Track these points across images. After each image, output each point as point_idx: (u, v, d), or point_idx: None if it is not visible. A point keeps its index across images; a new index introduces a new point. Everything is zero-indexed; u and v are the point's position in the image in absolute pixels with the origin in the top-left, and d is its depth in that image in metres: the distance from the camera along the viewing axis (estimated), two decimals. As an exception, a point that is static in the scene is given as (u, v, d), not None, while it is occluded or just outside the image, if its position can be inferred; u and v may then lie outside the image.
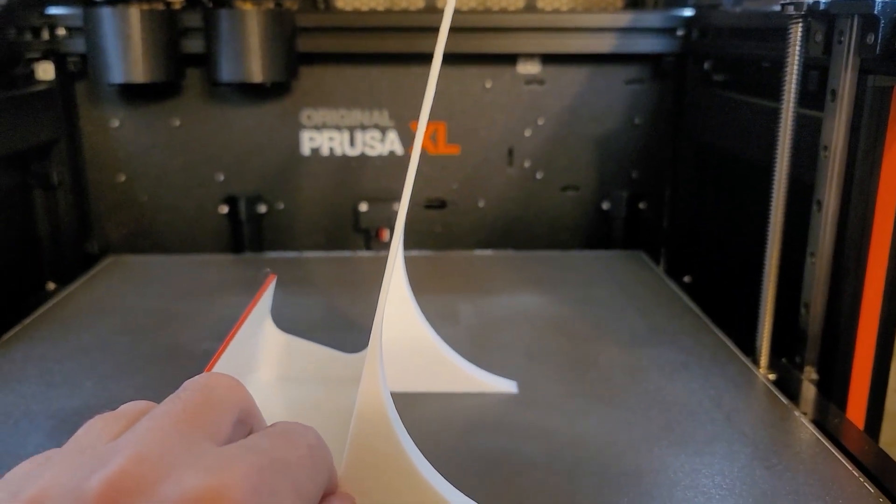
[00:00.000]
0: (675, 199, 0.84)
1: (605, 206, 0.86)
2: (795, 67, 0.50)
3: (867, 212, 0.51)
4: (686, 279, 0.79)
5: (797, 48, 0.49)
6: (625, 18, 0.79)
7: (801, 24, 0.49)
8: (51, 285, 0.75)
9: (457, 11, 0.78)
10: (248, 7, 0.75)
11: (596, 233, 0.87)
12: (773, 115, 0.52)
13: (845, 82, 0.50)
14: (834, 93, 0.50)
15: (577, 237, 0.87)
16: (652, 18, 0.79)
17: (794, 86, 0.50)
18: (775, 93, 0.53)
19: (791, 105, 0.50)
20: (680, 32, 0.78)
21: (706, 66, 0.77)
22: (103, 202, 0.83)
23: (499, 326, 0.61)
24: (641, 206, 0.86)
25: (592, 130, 0.84)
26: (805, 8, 0.48)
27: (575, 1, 0.84)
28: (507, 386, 0.50)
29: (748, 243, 0.65)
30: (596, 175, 0.86)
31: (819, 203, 0.53)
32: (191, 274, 0.74)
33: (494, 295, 0.67)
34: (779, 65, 0.52)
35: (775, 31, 0.59)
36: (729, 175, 0.74)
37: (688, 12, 0.78)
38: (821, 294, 0.54)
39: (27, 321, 0.61)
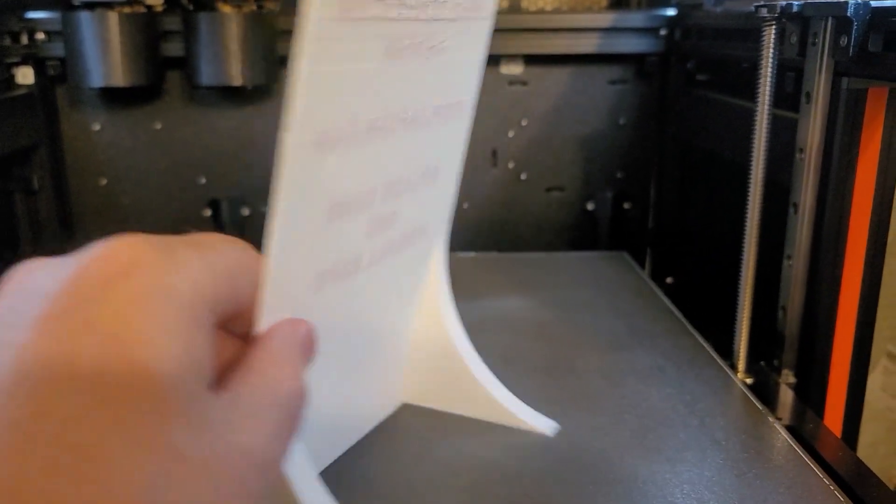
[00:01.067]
0: (659, 200, 0.84)
1: (590, 206, 0.86)
2: (770, 70, 0.49)
3: (843, 214, 0.51)
4: (668, 280, 0.79)
5: (771, 50, 0.49)
6: (608, 18, 0.78)
7: (774, 27, 0.49)
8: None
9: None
10: (227, 10, 0.75)
11: (581, 233, 0.87)
12: (753, 117, 0.52)
13: (820, 84, 0.49)
14: (809, 95, 0.50)
15: (563, 238, 0.87)
16: (635, 18, 0.78)
17: (768, 88, 0.50)
18: (753, 91, 0.52)
19: (766, 108, 0.50)
20: (663, 32, 0.78)
21: (689, 65, 0.77)
22: (85, 206, 0.83)
23: (477, 330, 0.60)
24: (626, 206, 0.86)
25: (576, 131, 0.84)
26: (778, 10, 0.47)
27: (559, 1, 0.83)
28: (545, 426, 0.45)
29: (730, 244, 0.65)
30: (581, 176, 0.85)
31: (795, 206, 0.52)
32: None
33: (475, 298, 0.67)
34: (755, 63, 0.51)
35: (753, 31, 0.58)
36: (713, 176, 0.73)
37: (670, 12, 0.78)
38: (798, 296, 0.54)
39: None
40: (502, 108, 0.83)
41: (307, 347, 0.28)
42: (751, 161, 0.52)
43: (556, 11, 0.82)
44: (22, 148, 0.74)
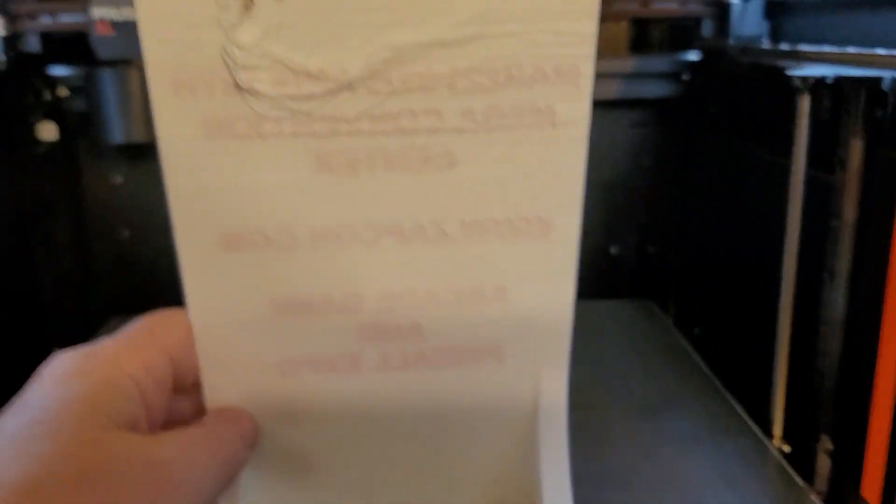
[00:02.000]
0: (683, 245, 0.83)
1: (614, 250, 0.85)
2: (803, 140, 0.49)
3: (880, 281, 0.50)
4: (696, 331, 0.78)
5: (805, 120, 0.48)
6: (629, 64, 0.78)
7: (808, 96, 0.48)
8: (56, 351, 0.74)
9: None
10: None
11: (605, 277, 0.86)
12: (780, 171, 0.52)
13: (855, 153, 0.49)
14: (843, 163, 0.49)
15: (587, 282, 0.86)
16: (657, 63, 0.78)
17: (802, 158, 0.49)
18: (782, 147, 0.52)
19: (800, 177, 0.50)
20: (685, 77, 0.77)
21: (712, 109, 0.76)
22: (106, 258, 0.83)
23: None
24: (650, 249, 0.85)
25: (599, 174, 0.83)
26: (812, 81, 0.47)
27: (578, 45, 0.83)
28: None
29: (758, 296, 0.64)
30: (603, 219, 0.85)
31: (830, 272, 0.52)
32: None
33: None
34: (786, 120, 0.51)
35: (781, 87, 0.58)
36: (738, 225, 0.72)
37: (692, 56, 0.77)
38: (834, 362, 0.53)
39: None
40: (523, 154, 0.82)
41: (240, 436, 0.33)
42: (778, 218, 0.52)
43: (577, 56, 0.81)
44: (44, 202, 0.75)
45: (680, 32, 0.80)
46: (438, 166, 0.35)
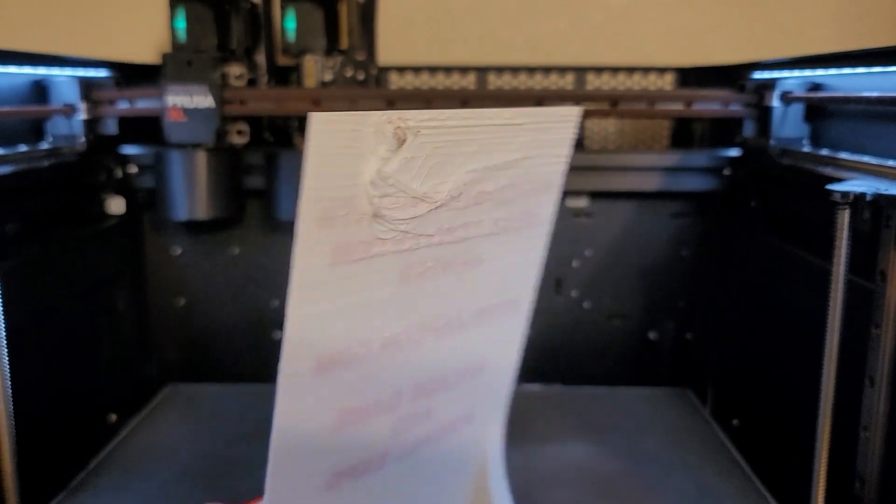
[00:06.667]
0: (721, 334, 0.85)
1: (652, 335, 0.87)
2: (844, 250, 0.51)
3: (921, 390, 0.51)
4: (734, 423, 0.78)
5: (845, 233, 0.50)
6: (671, 158, 0.80)
7: (848, 211, 0.50)
8: (112, 417, 0.77)
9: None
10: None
11: (643, 362, 0.87)
12: (820, 273, 0.53)
13: (894, 264, 0.50)
14: (883, 274, 0.51)
15: (625, 367, 0.87)
16: (698, 158, 0.80)
17: (842, 267, 0.51)
18: (822, 250, 0.53)
19: (840, 287, 0.51)
20: (726, 172, 0.80)
21: (752, 204, 0.78)
22: (163, 326, 0.87)
23: (545, 486, 0.61)
24: (689, 336, 0.86)
25: (639, 261, 0.86)
26: (852, 197, 0.49)
27: (622, 139, 0.86)
28: None
29: (797, 394, 0.65)
30: (643, 305, 0.86)
31: (871, 378, 0.53)
32: (249, 407, 0.76)
33: (542, 443, 0.68)
34: (825, 225, 0.52)
35: (822, 195, 0.60)
36: (776, 320, 0.74)
37: (733, 152, 0.79)
38: (875, 467, 0.53)
39: (91, 466, 0.63)
40: (567, 239, 0.85)
41: None
42: (816, 320, 0.53)
43: (619, 150, 0.84)
44: (109, 272, 0.78)
45: (722, 128, 0.83)
46: (471, 265, 0.39)
